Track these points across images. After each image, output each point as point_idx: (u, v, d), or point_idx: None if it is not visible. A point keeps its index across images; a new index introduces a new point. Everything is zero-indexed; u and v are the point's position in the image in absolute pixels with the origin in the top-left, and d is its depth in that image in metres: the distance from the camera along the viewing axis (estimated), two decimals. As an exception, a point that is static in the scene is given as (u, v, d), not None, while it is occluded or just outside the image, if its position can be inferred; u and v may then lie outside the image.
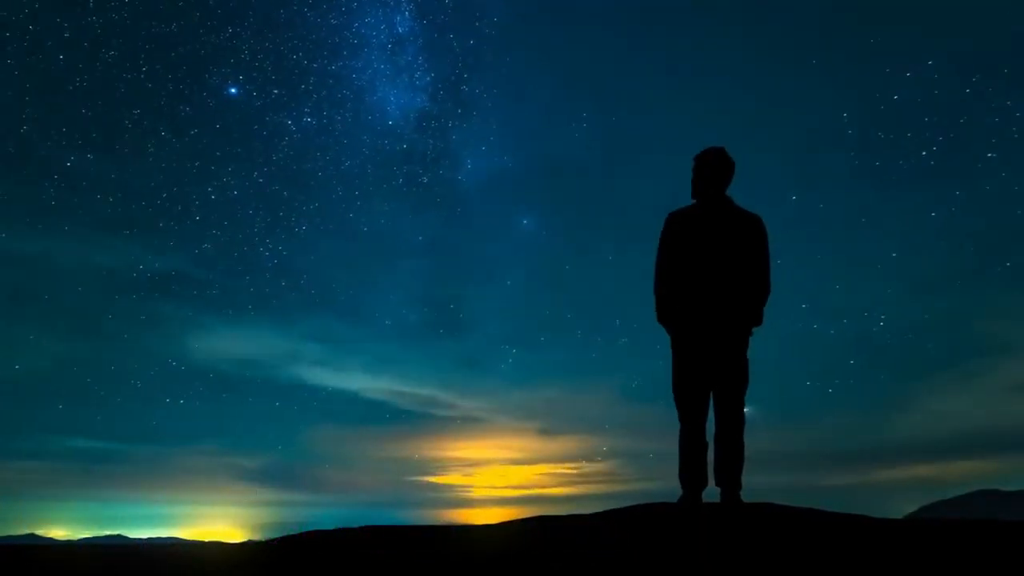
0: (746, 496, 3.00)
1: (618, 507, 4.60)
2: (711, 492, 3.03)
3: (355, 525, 5.00)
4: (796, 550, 2.64)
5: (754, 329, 3.04)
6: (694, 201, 3.13)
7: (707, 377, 2.96)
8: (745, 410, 2.99)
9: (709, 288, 2.94)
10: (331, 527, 5.13)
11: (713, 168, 3.04)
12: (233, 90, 28.01)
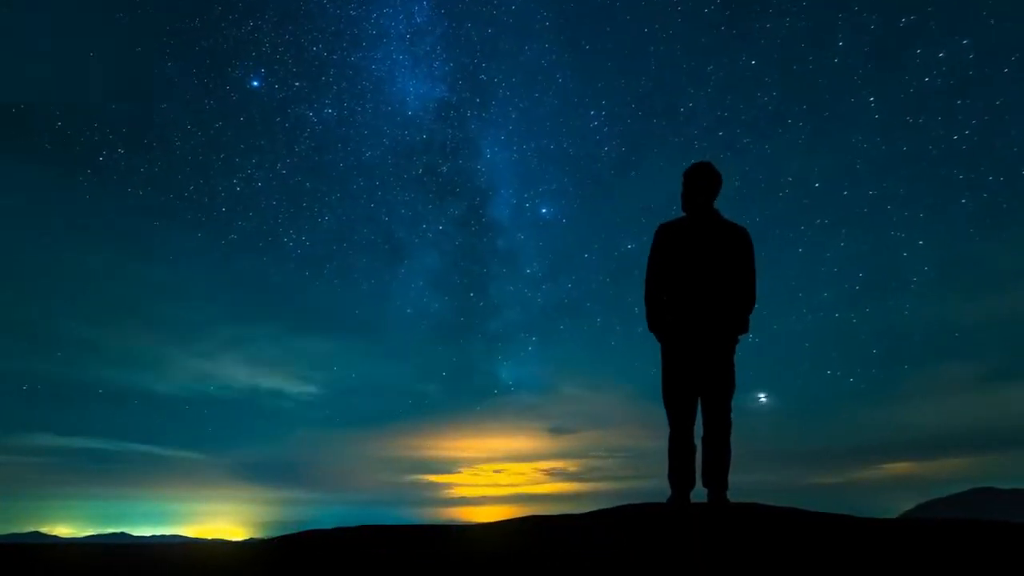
0: (733, 496, 3.12)
1: (612, 507, 4.70)
2: (699, 493, 3.14)
3: (355, 524, 5.10)
4: (778, 548, 2.74)
5: (749, 330, 3.15)
6: (683, 213, 3.25)
7: (695, 383, 3.07)
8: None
9: (697, 297, 3.05)
10: (331, 526, 5.23)
11: (700, 181, 3.15)
12: (255, 83, 28.07)
